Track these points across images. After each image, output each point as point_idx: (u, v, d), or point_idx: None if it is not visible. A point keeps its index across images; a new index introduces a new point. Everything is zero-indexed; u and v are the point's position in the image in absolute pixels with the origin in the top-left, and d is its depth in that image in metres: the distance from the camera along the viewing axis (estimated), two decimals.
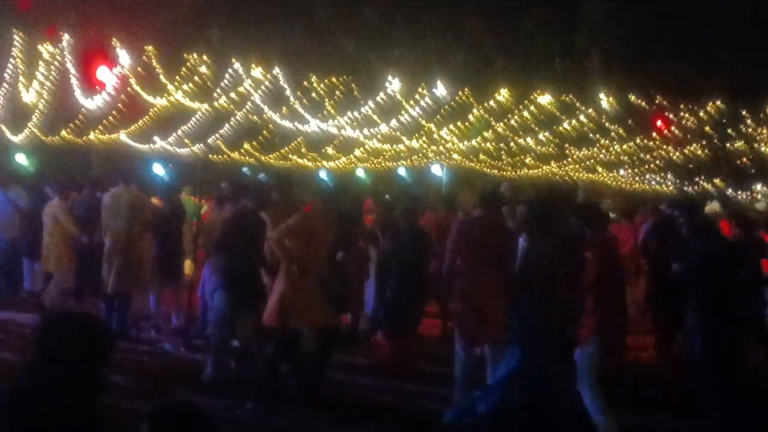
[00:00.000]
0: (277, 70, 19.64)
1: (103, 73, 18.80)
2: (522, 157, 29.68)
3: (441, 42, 22.42)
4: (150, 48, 18.35)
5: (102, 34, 18.18)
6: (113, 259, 12.39)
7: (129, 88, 19.27)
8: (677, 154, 29.39)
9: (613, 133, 26.67)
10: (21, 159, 23.44)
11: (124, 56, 18.25)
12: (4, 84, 19.27)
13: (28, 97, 19.65)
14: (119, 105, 20.21)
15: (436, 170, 32.34)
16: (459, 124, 23.50)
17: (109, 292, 12.44)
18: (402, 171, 33.95)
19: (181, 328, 12.67)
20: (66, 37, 18.04)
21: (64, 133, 22.64)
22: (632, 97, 24.23)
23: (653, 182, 37.03)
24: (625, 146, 28.14)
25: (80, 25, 18.55)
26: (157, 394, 8.72)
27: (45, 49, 18.29)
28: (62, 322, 3.78)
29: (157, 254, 12.62)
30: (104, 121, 21.32)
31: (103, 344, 3.73)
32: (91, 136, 22.85)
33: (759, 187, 36.57)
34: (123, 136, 23.25)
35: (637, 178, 36.28)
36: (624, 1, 24.34)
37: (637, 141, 27.62)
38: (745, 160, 30.39)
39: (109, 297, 12.52)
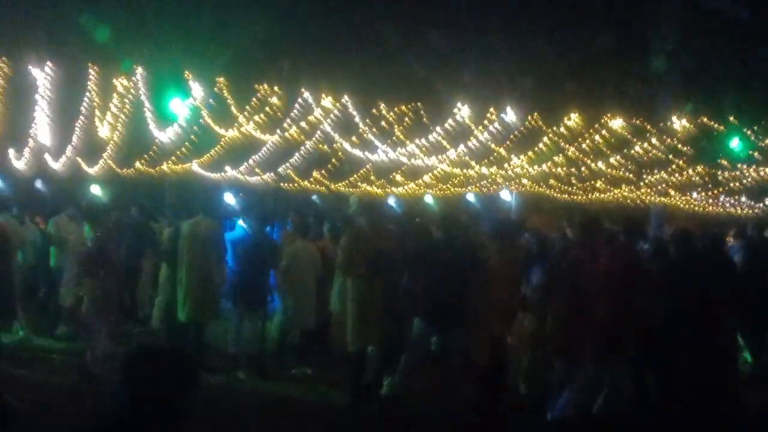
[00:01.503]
0: (346, 99, 19.72)
1: (176, 104, 19.13)
2: (593, 181, 29.29)
3: (510, 67, 22.30)
4: (221, 79, 18.59)
5: (175, 66, 18.48)
6: (189, 287, 12.48)
7: (201, 120, 19.55)
8: (753, 175, 28.73)
9: (685, 156, 26.22)
10: (95, 190, 23.84)
11: (196, 88, 18.53)
12: (81, 117, 19.67)
13: (103, 129, 20.04)
14: (192, 136, 20.49)
15: (505, 195, 32.08)
16: (529, 149, 23.32)
17: (183, 319, 12.52)
18: (471, 197, 33.75)
19: (255, 356, 12.67)
20: (139, 69, 18.36)
21: (138, 164, 23.01)
22: (705, 119, 23.80)
23: (727, 204, 36.22)
24: (698, 169, 27.62)
25: (153, 57, 18.87)
26: (233, 429, 8.70)
27: (119, 82, 18.63)
28: (145, 355, 3.76)
29: (238, 282, 12.74)
30: (177, 151, 21.63)
31: (184, 378, 3.71)
32: (164, 166, 23.18)
33: None
34: (195, 166, 23.54)
35: (710, 201, 35.53)
36: (695, 23, 24.01)
37: (711, 163, 27.10)
38: None
39: (182, 324, 12.61)
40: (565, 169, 26.41)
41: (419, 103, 20.84)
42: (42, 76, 17.94)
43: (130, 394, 3.58)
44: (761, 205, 33.89)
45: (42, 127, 19.58)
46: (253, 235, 13.21)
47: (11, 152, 22.03)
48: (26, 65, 17.73)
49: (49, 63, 17.76)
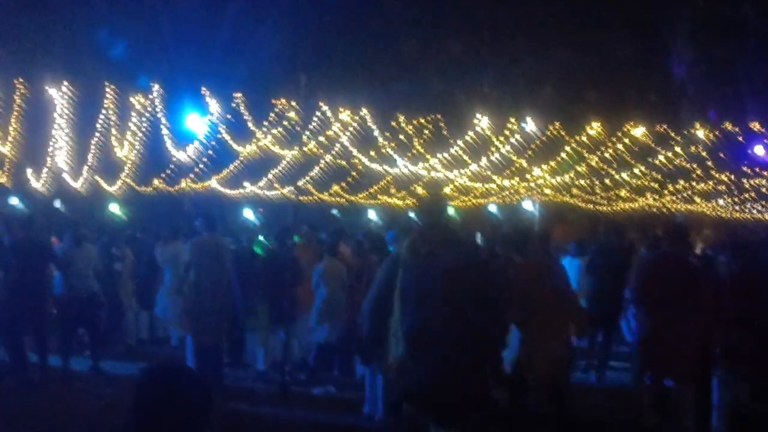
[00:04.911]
0: (364, 112, 19.55)
1: (193, 121, 18.99)
2: (617, 190, 29.02)
3: (530, 76, 22.07)
4: (239, 95, 18.46)
5: (191, 83, 18.38)
6: (196, 306, 12.17)
7: (219, 135, 19.42)
8: None
9: (710, 163, 25.94)
10: (114, 209, 23.73)
11: (213, 104, 18.41)
12: (97, 135, 19.58)
13: (121, 148, 19.95)
14: (210, 152, 20.37)
15: (528, 206, 31.79)
16: (550, 159, 23.11)
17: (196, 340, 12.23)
18: (493, 208, 33.48)
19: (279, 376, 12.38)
20: (156, 87, 18.25)
21: (156, 182, 22.91)
22: (729, 125, 23.51)
23: (754, 211, 35.78)
24: (723, 176, 27.34)
25: (170, 74, 18.78)
26: None
27: (136, 100, 18.53)
28: (159, 377, 3.54)
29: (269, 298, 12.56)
30: (195, 168, 21.52)
31: (200, 403, 3.48)
32: (183, 184, 23.07)
33: None
34: (214, 183, 23.43)
35: (737, 208, 35.15)
36: (717, 30, 23.74)
37: (735, 169, 26.84)
38: None
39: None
40: (587, 178, 26.18)
41: (438, 115, 20.64)
42: (59, 95, 17.89)
43: (142, 414, 3.38)
44: None
45: (60, 147, 19.53)
46: (274, 250, 13.03)
47: (29, 172, 21.99)
48: (42, 85, 17.69)
49: (65, 83, 17.70)
